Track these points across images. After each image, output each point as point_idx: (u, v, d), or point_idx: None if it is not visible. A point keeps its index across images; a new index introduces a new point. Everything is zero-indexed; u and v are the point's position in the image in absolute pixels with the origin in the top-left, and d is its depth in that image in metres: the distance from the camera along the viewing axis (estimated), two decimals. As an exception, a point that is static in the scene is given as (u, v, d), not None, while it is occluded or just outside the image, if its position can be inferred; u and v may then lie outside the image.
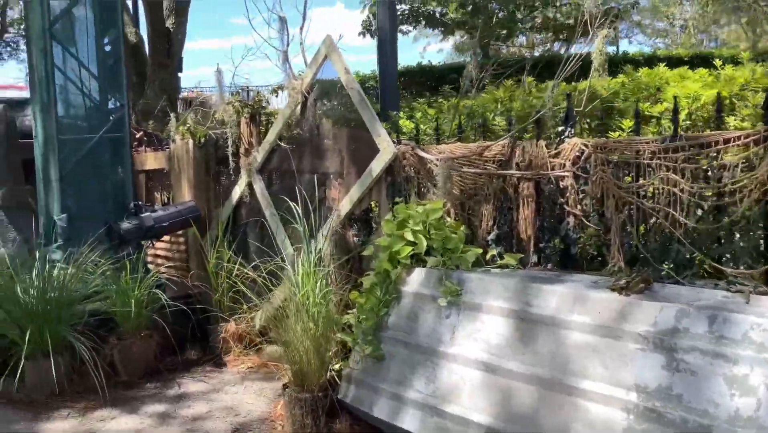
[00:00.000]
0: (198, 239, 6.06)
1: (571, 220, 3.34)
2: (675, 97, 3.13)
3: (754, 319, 2.30)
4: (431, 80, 13.65)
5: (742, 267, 2.84)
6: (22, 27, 18.74)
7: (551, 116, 3.54)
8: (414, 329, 3.40)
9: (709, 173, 2.93)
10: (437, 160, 3.76)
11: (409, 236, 3.60)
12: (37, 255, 5.01)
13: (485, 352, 2.98)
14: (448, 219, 3.77)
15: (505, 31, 12.76)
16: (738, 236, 2.90)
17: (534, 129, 3.55)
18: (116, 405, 4.38)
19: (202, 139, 6.01)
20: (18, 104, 8.44)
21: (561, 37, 12.84)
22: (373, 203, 4.44)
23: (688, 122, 3.21)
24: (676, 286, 2.82)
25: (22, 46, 19.81)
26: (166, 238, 6.39)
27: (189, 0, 10.81)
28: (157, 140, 7.37)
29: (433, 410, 3.13)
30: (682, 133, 3.03)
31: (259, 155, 5.27)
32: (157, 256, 6.73)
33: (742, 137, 2.80)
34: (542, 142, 3.43)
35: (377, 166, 4.22)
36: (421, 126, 4.53)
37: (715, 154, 2.89)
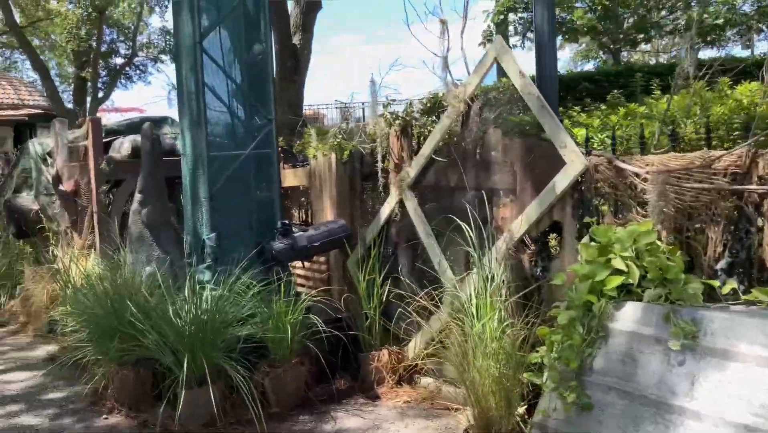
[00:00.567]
0: (341, 260, 5.77)
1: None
2: None
3: None
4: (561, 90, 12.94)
5: None
6: (149, 51, 19.72)
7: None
8: (632, 375, 2.85)
9: None
10: (646, 173, 3.21)
11: (618, 264, 3.06)
12: (188, 275, 4.86)
13: (748, 413, 2.40)
14: (659, 243, 3.20)
15: (642, 35, 11.87)
16: None
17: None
18: (272, 440, 4.10)
19: (345, 156, 5.72)
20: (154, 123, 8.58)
21: (709, 39, 11.81)
22: (550, 222, 3.93)
23: None
24: None
25: (150, 69, 20.86)
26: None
27: (316, 15, 10.74)
28: (293, 157, 7.20)
29: (667, 477, 2.57)
30: None
31: (411, 170, 4.89)
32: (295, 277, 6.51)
33: None
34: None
35: (562, 180, 3.71)
36: (598, 135, 3.99)
37: None
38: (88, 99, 18.99)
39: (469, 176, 4.42)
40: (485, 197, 4.22)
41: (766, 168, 2.85)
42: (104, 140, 7.13)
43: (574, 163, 3.65)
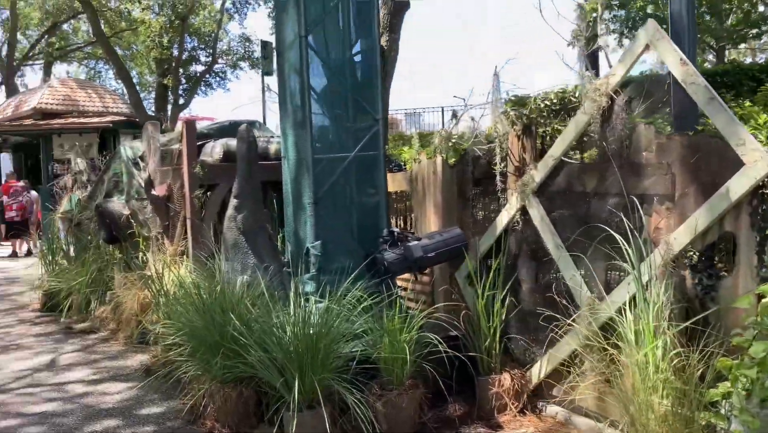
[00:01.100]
0: (447, 272, 5.33)
1: None
2: None
3: None
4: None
5: None
6: (229, 58, 19.89)
7: None
8: None
9: None
10: None
11: (836, 287, 2.50)
12: (289, 285, 4.52)
13: None
14: None
15: (754, 31, 10.98)
16: None
17: None
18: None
19: (451, 159, 5.28)
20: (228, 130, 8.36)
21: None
22: (719, 233, 3.37)
23: None
24: None
25: (230, 76, 21.04)
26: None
27: (403, 16, 10.37)
28: (387, 161, 6.82)
29: None
30: None
31: (537, 174, 4.40)
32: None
33: None
34: None
35: (739, 184, 3.15)
36: (763, 132, 3.40)
37: None
38: (169, 106, 19.29)
39: (612, 180, 3.89)
40: (633, 204, 3.69)
41: None
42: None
43: (756, 163, 3.08)
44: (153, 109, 20.31)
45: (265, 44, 21.60)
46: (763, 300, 2.75)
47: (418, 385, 4.22)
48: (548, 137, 4.50)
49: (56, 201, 10.39)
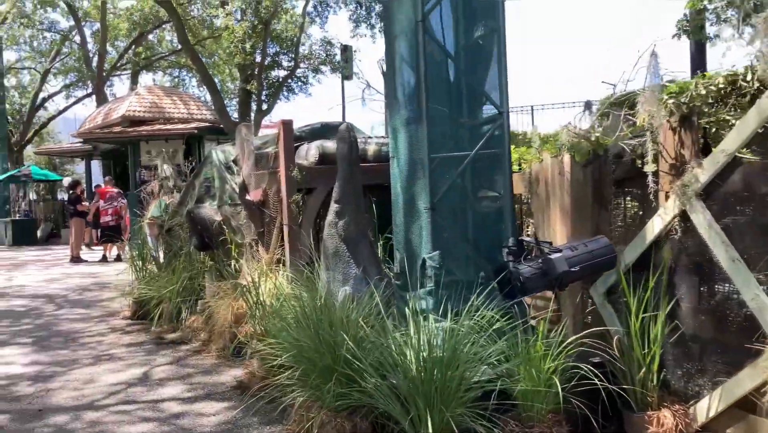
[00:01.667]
0: (577, 286, 4.67)
1: None
2: None
3: None
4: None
5: None
6: (311, 62, 19.72)
7: None
8: None
9: None
10: None
11: None
12: (409, 303, 3.99)
13: None
14: None
15: None
16: None
17: None
18: None
19: (578, 156, 4.63)
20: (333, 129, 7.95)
21: None
22: None
23: None
24: None
25: (311, 81, 20.88)
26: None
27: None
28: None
29: None
30: None
31: (702, 173, 3.69)
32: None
33: None
34: None
35: None
36: None
37: None
38: (252, 112, 19.28)
39: (812, 179, 3.16)
40: None
41: None
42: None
43: None
44: (236, 115, 20.36)
45: (345, 48, 21.40)
46: None
47: (562, 421, 3.59)
48: (712, 129, 3.79)
49: (144, 207, 10.32)
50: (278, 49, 19.51)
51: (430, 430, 3.19)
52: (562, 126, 4.94)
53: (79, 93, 33.25)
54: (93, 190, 21.67)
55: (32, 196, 23.77)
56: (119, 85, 54.96)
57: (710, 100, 3.73)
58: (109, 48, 28.68)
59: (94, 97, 29.54)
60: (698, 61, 14.31)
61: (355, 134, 5.63)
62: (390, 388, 3.56)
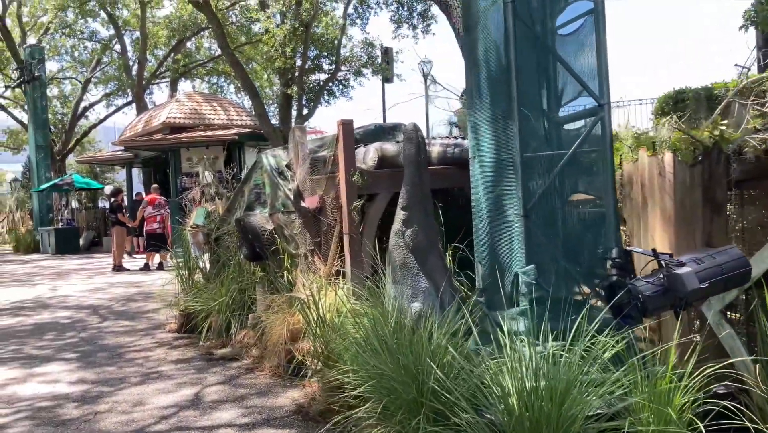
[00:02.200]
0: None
1: None
2: None
3: None
4: None
5: None
6: (352, 64, 19.34)
7: None
8: None
9: None
10: None
11: None
12: (497, 323, 3.48)
13: None
14: None
15: None
16: None
17: None
18: None
19: (688, 156, 4.07)
20: (385, 131, 7.50)
21: None
22: None
23: None
24: None
25: (352, 84, 20.49)
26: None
27: None
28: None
29: None
30: None
31: None
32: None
33: None
34: None
35: None
36: None
37: None
38: (293, 117, 18.97)
39: None
40: None
41: None
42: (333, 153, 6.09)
43: None
44: (276, 120, 20.08)
45: (386, 50, 20.98)
46: None
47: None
48: None
49: (185, 215, 10.03)
50: (319, 52, 19.16)
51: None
52: (662, 120, 4.38)
53: (119, 102, 33.53)
54: (134, 198, 21.63)
55: (74, 204, 23.87)
56: (158, 93, 55.51)
57: None
58: (148, 56, 28.78)
59: (134, 105, 29.70)
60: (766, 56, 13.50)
61: (423, 134, 5.15)
62: (488, 426, 3.06)
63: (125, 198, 18.24)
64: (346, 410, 3.91)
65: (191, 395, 5.60)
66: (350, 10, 19.37)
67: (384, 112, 19.54)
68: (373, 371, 3.56)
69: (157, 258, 15.39)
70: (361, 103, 66.37)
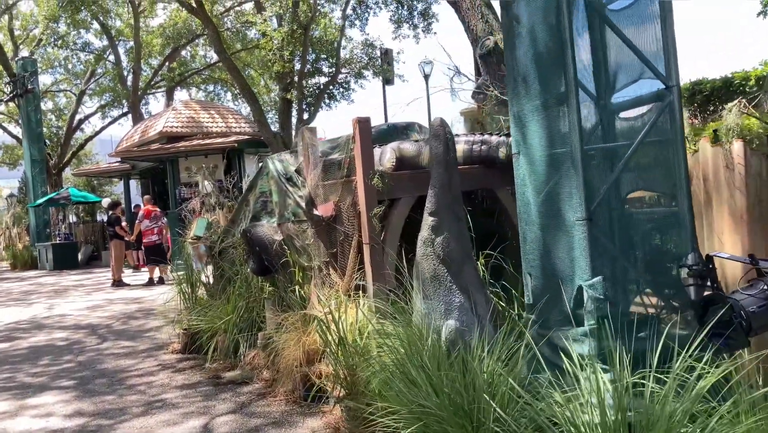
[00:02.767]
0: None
1: None
2: None
3: None
4: None
5: None
6: (353, 67, 18.83)
7: None
8: None
9: None
10: None
11: None
12: (565, 345, 2.94)
13: None
14: None
15: None
16: None
17: None
18: None
19: (756, 144, 3.54)
20: (399, 130, 6.97)
21: None
22: None
23: None
24: None
25: (353, 86, 19.97)
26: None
27: None
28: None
29: None
30: None
31: None
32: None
33: None
34: None
35: None
36: None
37: None
38: (293, 122, 18.45)
39: None
40: None
41: None
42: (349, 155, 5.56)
43: None
44: (276, 126, 19.55)
45: (386, 51, 20.49)
46: None
47: None
48: None
49: (185, 226, 9.52)
50: (318, 55, 18.63)
51: None
52: (728, 106, 3.85)
53: (115, 113, 33.00)
54: (132, 210, 21.08)
55: (72, 218, 23.32)
56: (154, 103, 54.96)
57: None
58: (143, 66, 28.25)
59: (129, 116, 29.18)
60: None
61: (451, 130, 4.62)
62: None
63: (124, 210, 17.65)
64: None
65: (200, 428, 5.06)
66: (349, 11, 18.88)
67: (385, 112, 19.02)
68: (417, 409, 3.01)
69: (157, 272, 14.86)
70: (362, 106, 65.84)
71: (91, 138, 34.27)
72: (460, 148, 5.56)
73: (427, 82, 22.04)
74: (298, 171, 5.93)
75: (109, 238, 16.14)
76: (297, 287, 6.05)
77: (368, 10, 18.46)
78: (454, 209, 4.49)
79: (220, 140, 19.24)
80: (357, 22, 18.81)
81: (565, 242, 3.23)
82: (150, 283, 14.73)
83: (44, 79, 32.83)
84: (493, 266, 5.07)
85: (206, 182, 11.61)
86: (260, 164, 7.51)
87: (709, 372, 2.59)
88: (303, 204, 5.58)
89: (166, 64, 28.28)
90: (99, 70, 31.80)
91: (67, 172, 33.79)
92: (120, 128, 49.47)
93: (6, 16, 29.03)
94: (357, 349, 4.53)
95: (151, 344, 8.31)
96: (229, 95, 31.64)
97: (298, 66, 17.75)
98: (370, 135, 4.92)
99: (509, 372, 2.99)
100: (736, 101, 3.74)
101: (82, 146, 33.58)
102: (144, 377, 6.73)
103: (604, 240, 3.10)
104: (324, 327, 4.89)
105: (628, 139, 3.39)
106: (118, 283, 14.98)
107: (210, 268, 8.15)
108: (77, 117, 32.14)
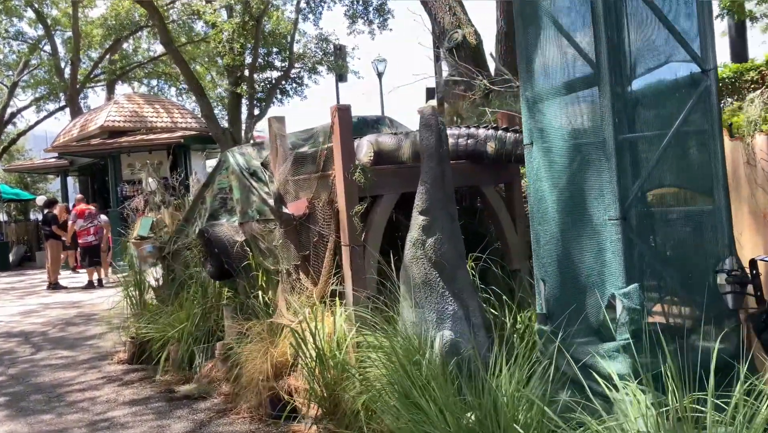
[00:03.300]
0: None
1: None
2: None
3: None
4: None
5: None
6: (306, 61, 18.23)
7: None
8: None
9: None
10: None
11: None
12: (595, 362, 2.54)
13: None
14: None
15: None
16: None
17: None
18: None
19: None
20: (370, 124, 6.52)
21: None
22: None
23: None
24: None
25: (306, 81, 19.33)
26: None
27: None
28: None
29: None
30: None
31: None
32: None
33: None
34: None
35: None
36: None
37: None
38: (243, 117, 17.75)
39: None
40: None
41: None
42: (325, 147, 5.08)
43: None
44: (225, 122, 18.78)
45: (339, 47, 19.99)
46: None
47: None
48: None
49: (128, 225, 8.84)
50: (270, 49, 17.96)
51: None
52: (750, 96, 3.54)
53: (51, 107, 31.28)
54: (72, 208, 19.91)
55: (2, 217, 21.92)
56: (93, 97, 52.78)
57: None
58: (82, 57, 26.85)
59: (67, 110, 27.69)
60: (739, 46, 13.17)
61: (442, 120, 4.20)
62: None
63: (68, 208, 16.46)
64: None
65: (153, 453, 4.48)
66: (302, 4, 18.28)
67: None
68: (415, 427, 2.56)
69: (96, 274, 13.98)
70: (319, 103, 64.83)
71: (24, 133, 32.42)
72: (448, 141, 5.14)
73: (381, 79, 21.69)
74: (264, 165, 5.39)
75: (45, 238, 15.12)
76: (260, 293, 5.52)
77: (322, 3, 17.94)
78: (448, 208, 4.07)
79: (165, 136, 18.32)
80: (311, 15, 18.26)
81: (590, 243, 2.84)
82: (90, 286, 13.82)
83: (-28, 70, 30.86)
84: (482, 269, 4.68)
85: (150, 179, 10.91)
86: (207, 160, 6.93)
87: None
88: (270, 201, 5.05)
89: (107, 56, 26.94)
90: (33, 61, 30.09)
91: (-2, 168, 31.91)
92: (56, 123, 47.26)
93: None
94: (337, 363, 4.05)
95: (94, 354, 7.60)
96: (173, 90, 30.46)
97: (249, 60, 17.07)
98: (350, 125, 4.44)
99: (536, 395, 2.58)
100: (758, 91, 3.45)
101: (14, 141, 31.75)
102: (87, 391, 6.06)
103: (638, 242, 2.73)
104: (299, 338, 4.39)
105: (652, 129, 3.03)
106: (54, 286, 14.01)
107: (158, 270, 7.52)
108: (9, 110, 30.32)
